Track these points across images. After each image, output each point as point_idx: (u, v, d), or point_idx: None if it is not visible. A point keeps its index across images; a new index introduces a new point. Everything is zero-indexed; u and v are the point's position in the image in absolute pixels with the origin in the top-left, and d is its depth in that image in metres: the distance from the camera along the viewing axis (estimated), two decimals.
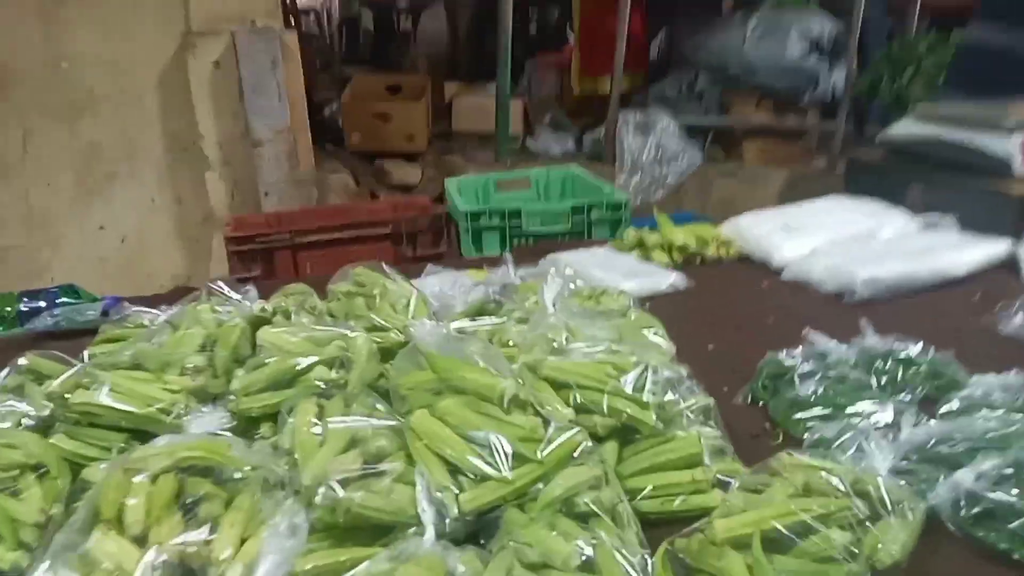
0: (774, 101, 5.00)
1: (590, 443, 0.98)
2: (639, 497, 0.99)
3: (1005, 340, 1.44)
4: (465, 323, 1.44)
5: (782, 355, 1.31)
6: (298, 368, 1.16)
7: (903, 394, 1.20)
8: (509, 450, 0.94)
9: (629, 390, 1.07)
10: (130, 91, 4.03)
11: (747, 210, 2.19)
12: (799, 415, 1.17)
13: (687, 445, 1.01)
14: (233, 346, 1.29)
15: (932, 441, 1.00)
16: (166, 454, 0.91)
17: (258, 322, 1.40)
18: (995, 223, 1.80)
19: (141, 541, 0.83)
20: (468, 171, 4.73)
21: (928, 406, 1.16)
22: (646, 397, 1.06)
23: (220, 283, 1.60)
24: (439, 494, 0.91)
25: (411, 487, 0.93)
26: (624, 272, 1.76)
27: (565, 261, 1.85)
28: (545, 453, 0.94)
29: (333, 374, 1.14)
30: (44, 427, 1.11)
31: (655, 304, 1.69)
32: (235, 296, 1.55)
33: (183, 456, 0.90)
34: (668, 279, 1.75)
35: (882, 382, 1.23)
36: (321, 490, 0.87)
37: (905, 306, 1.61)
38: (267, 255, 2.96)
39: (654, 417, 1.04)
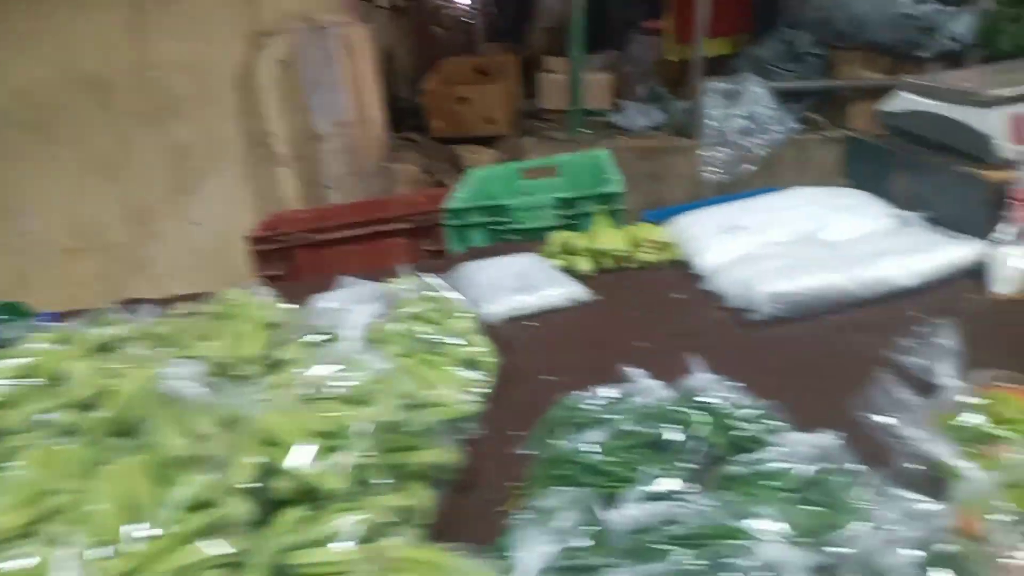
0: (888, 58, 4.41)
1: (244, 514, 0.90)
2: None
3: (902, 377, 1.16)
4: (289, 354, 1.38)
5: (586, 395, 1.13)
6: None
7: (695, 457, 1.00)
8: (154, 519, 0.89)
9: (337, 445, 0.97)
10: (210, 93, 4.27)
11: None
12: (554, 476, 1.00)
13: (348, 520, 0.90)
14: (50, 375, 1.32)
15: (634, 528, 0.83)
16: None
17: (104, 348, 1.43)
18: (972, 218, 1.46)
19: None
20: (540, 153, 4.61)
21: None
22: (336, 458, 0.95)
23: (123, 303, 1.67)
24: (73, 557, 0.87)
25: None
26: (520, 286, 1.61)
27: (470, 271, 1.73)
28: (186, 526, 0.88)
29: (64, 417, 1.13)
30: None
31: (544, 322, 1.54)
32: (128, 316, 1.60)
33: None
34: (563, 292, 1.59)
35: (681, 440, 1.03)
36: None
37: (816, 329, 1.35)
38: (292, 253, 3.04)
39: (338, 481, 0.93)
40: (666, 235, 1.76)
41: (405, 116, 5.34)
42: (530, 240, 2.39)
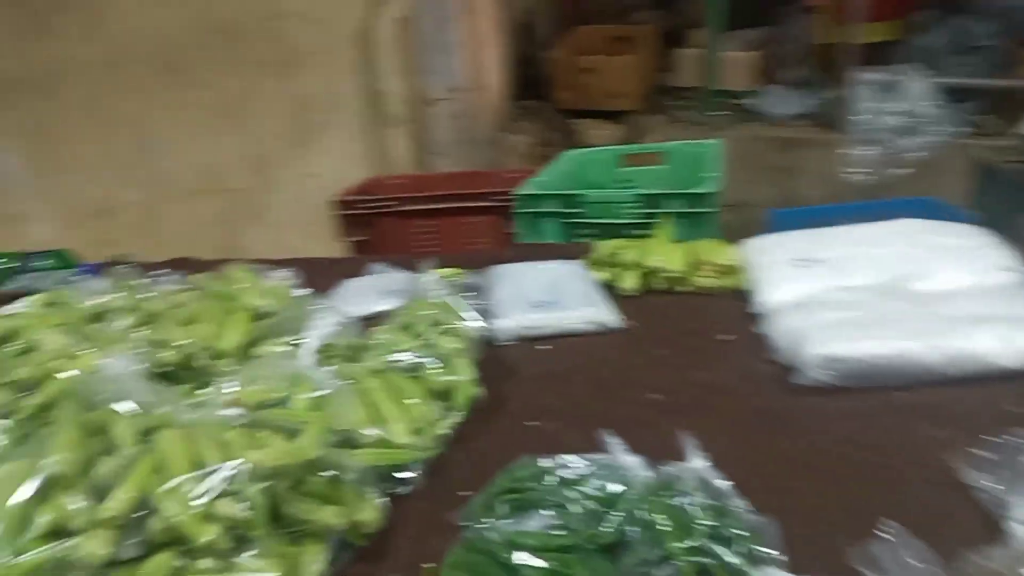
0: None
1: (99, 555, 0.78)
2: None
3: (956, 496, 0.88)
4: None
5: (549, 461, 0.94)
6: None
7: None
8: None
9: (216, 482, 0.83)
10: (332, 47, 4.26)
11: None
12: (471, 567, 0.82)
13: None
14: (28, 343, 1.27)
15: None
16: None
17: (93, 318, 1.37)
18: None
19: None
20: (667, 135, 4.31)
21: None
22: (220, 503, 0.81)
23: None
24: None
25: None
26: (543, 300, 1.41)
27: (498, 274, 1.56)
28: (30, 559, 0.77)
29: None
30: None
31: (558, 348, 1.34)
32: (150, 279, 1.54)
33: None
34: (589, 315, 1.37)
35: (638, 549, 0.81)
36: None
37: (873, 409, 1.07)
38: (375, 220, 2.96)
39: (208, 532, 0.79)
40: (734, 258, 1.50)
41: (537, 84, 5.15)
42: (607, 238, 2.17)
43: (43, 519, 0.81)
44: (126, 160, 4.72)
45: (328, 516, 0.86)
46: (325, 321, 1.15)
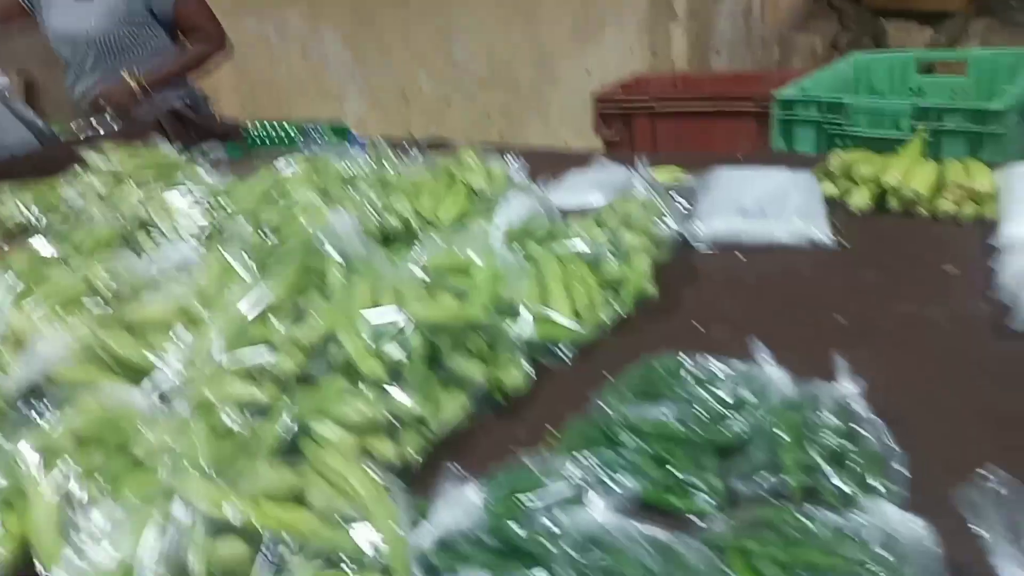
0: None
1: (289, 371, 0.94)
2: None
3: None
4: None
5: (693, 359, 0.94)
6: None
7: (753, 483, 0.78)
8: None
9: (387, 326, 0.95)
10: None
11: None
12: (586, 439, 0.86)
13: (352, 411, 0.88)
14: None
15: None
16: None
17: (346, 182, 1.58)
18: None
19: None
20: (997, 42, 3.72)
21: None
22: (388, 345, 0.93)
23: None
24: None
25: None
26: (753, 208, 1.35)
27: (717, 177, 1.51)
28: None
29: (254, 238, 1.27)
30: None
31: (755, 259, 1.28)
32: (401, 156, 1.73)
33: None
34: (797, 230, 1.29)
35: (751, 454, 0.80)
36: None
37: None
38: (630, 119, 2.95)
39: (375, 368, 0.92)
40: (989, 184, 1.31)
41: None
42: (874, 151, 1.97)
43: (254, 332, 0.99)
44: (426, 50, 5.09)
45: (476, 371, 0.95)
46: (523, 204, 1.21)
